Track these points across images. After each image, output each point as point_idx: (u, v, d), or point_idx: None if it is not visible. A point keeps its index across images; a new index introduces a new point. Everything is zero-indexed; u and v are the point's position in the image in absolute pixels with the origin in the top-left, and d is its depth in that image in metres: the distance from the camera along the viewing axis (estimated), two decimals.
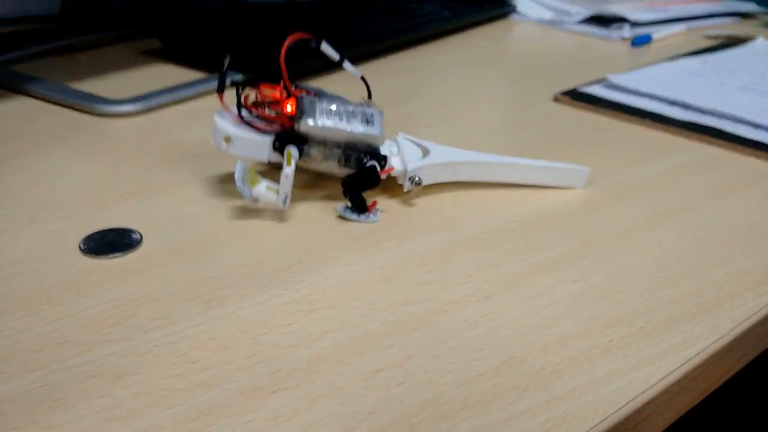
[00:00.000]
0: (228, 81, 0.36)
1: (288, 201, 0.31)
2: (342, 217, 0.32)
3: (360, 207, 0.32)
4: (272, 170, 0.35)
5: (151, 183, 0.34)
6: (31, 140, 0.39)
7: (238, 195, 0.34)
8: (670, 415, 0.24)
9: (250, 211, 0.32)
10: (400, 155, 0.34)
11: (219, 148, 0.32)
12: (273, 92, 0.32)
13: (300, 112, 0.31)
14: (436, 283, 0.28)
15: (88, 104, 0.45)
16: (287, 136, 0.31)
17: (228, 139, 0.31)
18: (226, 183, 0.35)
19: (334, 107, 0.31)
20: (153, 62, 0.56)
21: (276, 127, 0.31)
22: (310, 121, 0.30)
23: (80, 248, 0.28)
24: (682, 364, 0.24)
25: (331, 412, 0.21)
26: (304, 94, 0.32)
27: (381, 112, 0.33)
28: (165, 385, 0.21)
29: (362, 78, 0.34)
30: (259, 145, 0.31)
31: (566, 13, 0.80)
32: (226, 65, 0.32)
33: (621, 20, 0.78)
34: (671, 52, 0.68)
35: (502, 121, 0.47)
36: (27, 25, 0.60)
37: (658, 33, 0.75)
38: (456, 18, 0.72)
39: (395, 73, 0.57)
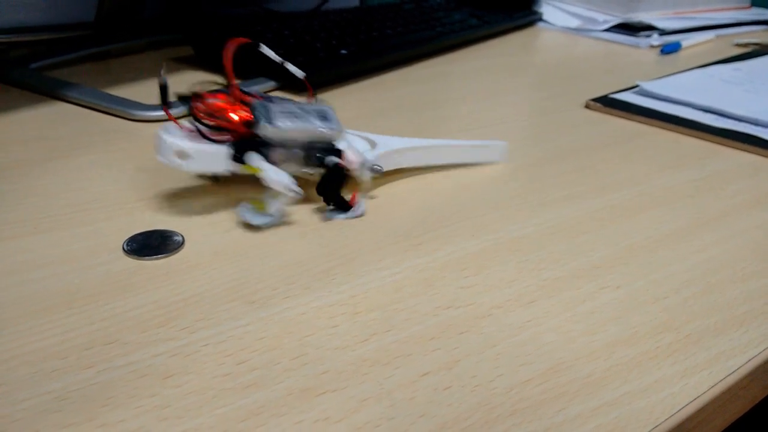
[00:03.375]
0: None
1: (295, 186, 0.30)
2: (331, 219, 0.32)
3: (343, 206, 0.33)
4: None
5: (188, 185, 0.35)
6: (70, 143, 0.39)
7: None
8: (721, 423, 0.24)
9: (288, 214, 0.32)
10: (352, 148, 0.34)
11: (170, 166, 0.30)
12: (220, 101, 0.31)
13: (257, 117, 0.30)
14: (478, 287, 0.27)
15: (124, 109, 0.45)
16: (245, 143, 0.30)
17: (182, 154, 0.29)
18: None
19: (288, 109, 0.31)
20: (185, 69, 0.57)
21: (229, 137, 0.30)
22: (271, 125, 0.30)
23: (124, 249, 0.29)
24: (733, 372, 0.24)
25: (380, 415, 0.21)
26: (254, 99, 0.31)
27: (331, 107, 0.33)
28: (214, 385, 0.21)
29: (305, 78, 0.34)
30: (217, 157, 0.30)
31: (593, 21, 0.80)
32: (163, 75, 0.31)
33: (649, 28, 0.78)
34: (701, 59, 0.68)
35: (533, 128, 0.47)
36: (63, 32, 0.61)
37: (687, 41, 0.75)
38: (484, 26, 0.72)
39: (424, 80, 0.57)
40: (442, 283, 0.28)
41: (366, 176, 0.33)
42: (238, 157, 0.30)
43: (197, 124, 0.30)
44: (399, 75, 0.58)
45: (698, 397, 0.22)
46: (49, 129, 0.42)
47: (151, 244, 0.29)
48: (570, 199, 0.36)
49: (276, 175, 0.30)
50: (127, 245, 0.29)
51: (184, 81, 0.53)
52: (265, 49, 0.32)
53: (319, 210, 0.33)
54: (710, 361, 0.24)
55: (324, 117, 0.32)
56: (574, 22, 0.81)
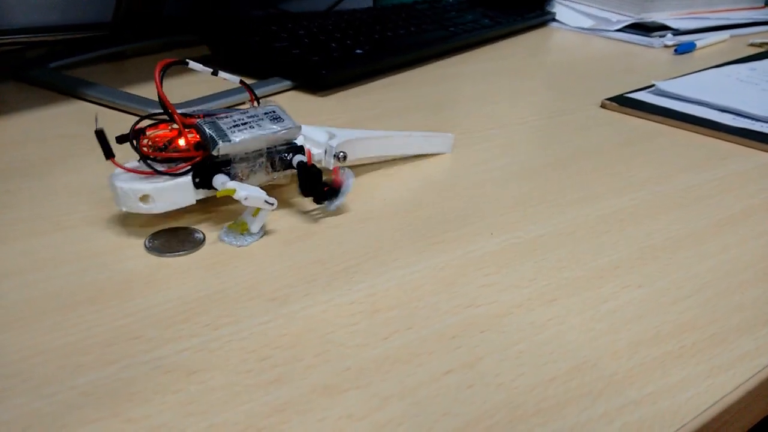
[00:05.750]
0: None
1: (269, 197, 0.29)
2: (337, 208, 0.32)
3: (334, 193, 0.32)
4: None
5: None
6: (89, 141, 0.40)
7: (293, 195, 0.34)
8: (746, 423, 0.24)
9: (305, 213, 0.32)
10: (312, 140, 0.33)
11: (134, 212, 0.28)
12: (162, 131, 0.29)
13: (209, 137, 0.28)
14: (498, 286, 0.27)
15: (141, 107, 0.45)
16: (206, 167, 0.29)
17: (145, 198, 0.28)
18: (281, 187, 0.35)
19: (237, 120, 0.30)
20: None
21: (184, 165, 0.29)
22: (227, 141, 0.28)
23: (145, 246, 0.29)
24: (758, 372, 0.23)
25: (404, 412, 0.21)
26: (198, 119, 0.29)
27: (278, 105, 0.32)
28: (238, 381, 0.21)
29: (241, 82, 0.33)
30: (183, 190, 0.29)
31: (606, 21, 0.80)
32: (97, 124, 0.28)
33: (663, 28, 0.77)
34: (715, 59, 0.67)
35: (548, 128, 0.47)
36: (80, 32, 0.61)
37: (701, 41, 0.74)
38: (496, 26, 0.72)
39: (438, 80, 0.57)
40: (462, 281, 0.27)
41: (332, 164, 0.33)
42: (204, 183, 0.29)
43: (149, 161, 0.28)
44: (413, 75, 0.58)
45: (724, 397, 0.22)
46: (68, 127, 0.42)
47: (172, 242, 0.29)
48: (588, 200, 0.35)
49: (248, 192, 0.28)
50: (149, 242, 0.29)
51: (200, 81, 0.53)
52: (194, 65, 0.31)
53: (321, 208, 0.33)
54: (735, 361, 0.24)
55: (276, 118, 0.31)
56: (588, 22, 0.80)
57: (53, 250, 0.28)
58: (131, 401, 0.20)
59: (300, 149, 0.32)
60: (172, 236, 0.30)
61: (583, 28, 0.80)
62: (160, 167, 0.28)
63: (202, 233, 0.30)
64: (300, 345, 0.23)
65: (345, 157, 0.33)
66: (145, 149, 0.28)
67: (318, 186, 0.31)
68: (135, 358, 0.22)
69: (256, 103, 0.33)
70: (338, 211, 0.33)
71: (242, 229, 0.30)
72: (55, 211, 0.31)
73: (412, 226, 0.32)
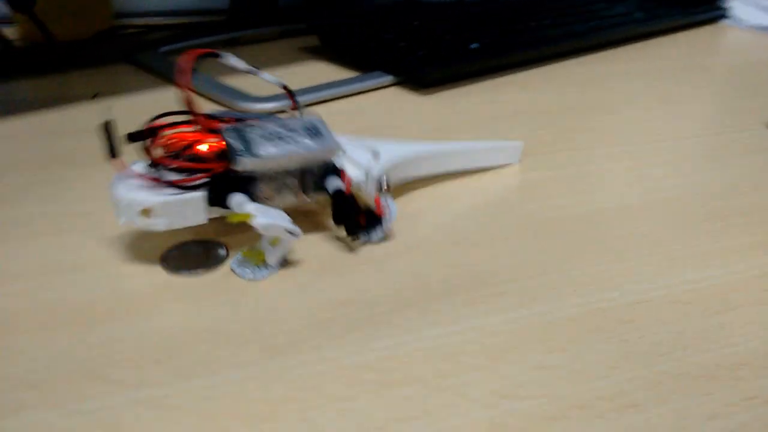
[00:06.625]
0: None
1: (293, 226, 0.24)
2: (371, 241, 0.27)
3: (374, 224, 0.27)
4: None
5: None
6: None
7: (326, 218, 0.29)
8: None
9: (337, 241, 0.27)
10: (354, 162, 0.27)
11: (133, 226, 0.24)
12: (182, 133, 0.25)
13: (233, 148, 0.24)
14: (560, 371, 0.20)
15: (230, 100, 0.43)
16: (224, 182, 0.24)
17: (147, 212, 0.24)
18: (312, 210, 0.30)
19: (269, 130, 0.25)
20: (310, 60, 0.54)
21: (201, 177, 0.24)
22: (252, 155, 0.24)
23: (161, 258, 0.26)
24: None
25: None
26: (225, 124, 0.25)
27: (320, 119, 0.27)
28: None
29: (284, 87, 0.28)
30: (192, 206, 0.24)
31: None
32: (108, 115, 0.24)
33: None
34: None
35: (703, 149, 0.37)
36: (197, 17, 0.61)
37: None
38: (652, 21, 0.61)
39: (571, 82, 0.49)
40: (513, 357, 0.21)
41: (373, 194, 0.27)
42: (218, 202, 0.24)
43: (159, 168, 0.24)
44: (535, 74, 0.51)
45: None
46: (157, 113, 0.41)
47: (189, 257, 0.26)
48: (757, 248, 0.27)
49: (269, 219, 0.24)
50: (166, 255, 0.26)
51: (306, 72, 0.50)
52: (229, 59, 0.26)
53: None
54: None
55: (315, 132, 0.26)
56: None
57: (62, 254, 0.26)
58: None
59: (337, 171, 0.27)
60: (193, 249, 0.26)
61: (763, 27, 0.65)
62: (170, 176, 0.24)
63: (226, 249, 0.26)
64: (268, 421, 0.18)
65: (389, 187, 0.28)
66: (157, 153, 0.24)
67: (352, 216, 0.26)
68: (77, 405, 0.19)
69: (298, 113, 0.28)
70: (375, 243, 0.27)
71: (258, 260, 0.25)
72: (85, 206, 0.29)
73: (463, 268, 0.25)
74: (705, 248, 0.27)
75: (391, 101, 0.44)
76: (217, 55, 0.26)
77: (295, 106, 0.28)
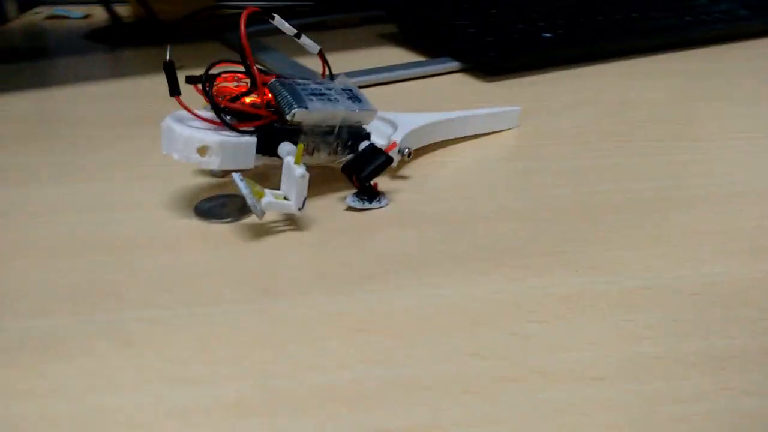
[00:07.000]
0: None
1: (305, 204, 0.26)
2: (353, 208, 0.28)
3: (371, 193, 0.28)
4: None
5: None
6: None
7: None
8: None
9: (351, 209, 0.28)
10: (375, 131, 0.29)
11: (187, 163, 0.25)
12: (230, 84, 0.26)
13: (285, 99, 0.25)
14: (538, 340, 0.20)
15: (295, 76, 0.46)
16: (271, 132, 0.26)
17: (204, 150, 0.25)
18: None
19: (313, 89, 0.26)
20: (387, 45, 0.55)
21: (250, 124, 0.26)
22: (304, 107, 0.25)
23: (195, 207, 0.28)
24: None
25: None
26: (275, 79, 0.26)
27: (356, 87, 0.29)
28: (148, 369, 0.19)
29: (320, 53, 0.30)
30: (244, 150, 0.26)
31: None
32: (169, 54, 0.25)
33: None
34: None
35: None
36: (289, 2, 0.65)
37: None
38: (757, 19, 0.57)
39: (639, 77, 0.47)
40: (494, 325, 0.21)
41: (396, 160, 0.29)
42: (267, 149, 0.26)
43: (218, 111, 0.26)
44: (609, 68, 0.49)
45: None
46: None
47: (220, 207, 0.28)
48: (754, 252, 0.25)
49: (301, 187, 0.25)
50: (200, 204, 0.28)
51: (382, 56, 0.51)
52: (279, 21, 0.28)
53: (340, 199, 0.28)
54: None
55: (353, 97, 0.27)
56: None
57: (105, 196, 0.29)
58: (47, 355, 0.19)
59: (367, 136, 0.28)
60: (224, 201, 0.29)
61: None
62: (228, 119, 0.26)
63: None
64: (253, 347, 0.20)
65: (410, 155, 0.29)
66: (218, 98, 0.27)
67: (373, 175, 0.28)
68: (91, 316, 0.21)
69: (332, 77, 0.30)
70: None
71: (258, 195, 0.26)
72: (147, 158, 0.33)
73: (470, 235, 0.26)
74: (722, 248, 0.25)
75: (454, 86, 0.45)
76: (270, 17, 0.29)
77: (331, 74, 0.30)
